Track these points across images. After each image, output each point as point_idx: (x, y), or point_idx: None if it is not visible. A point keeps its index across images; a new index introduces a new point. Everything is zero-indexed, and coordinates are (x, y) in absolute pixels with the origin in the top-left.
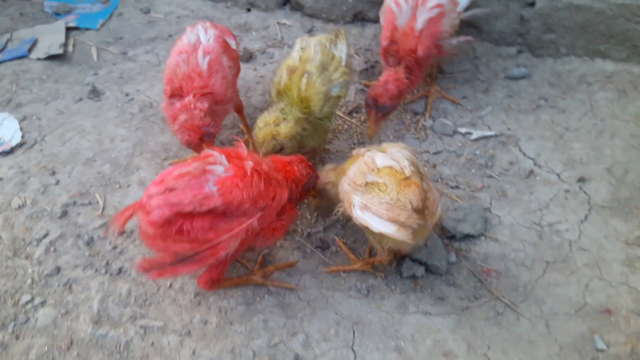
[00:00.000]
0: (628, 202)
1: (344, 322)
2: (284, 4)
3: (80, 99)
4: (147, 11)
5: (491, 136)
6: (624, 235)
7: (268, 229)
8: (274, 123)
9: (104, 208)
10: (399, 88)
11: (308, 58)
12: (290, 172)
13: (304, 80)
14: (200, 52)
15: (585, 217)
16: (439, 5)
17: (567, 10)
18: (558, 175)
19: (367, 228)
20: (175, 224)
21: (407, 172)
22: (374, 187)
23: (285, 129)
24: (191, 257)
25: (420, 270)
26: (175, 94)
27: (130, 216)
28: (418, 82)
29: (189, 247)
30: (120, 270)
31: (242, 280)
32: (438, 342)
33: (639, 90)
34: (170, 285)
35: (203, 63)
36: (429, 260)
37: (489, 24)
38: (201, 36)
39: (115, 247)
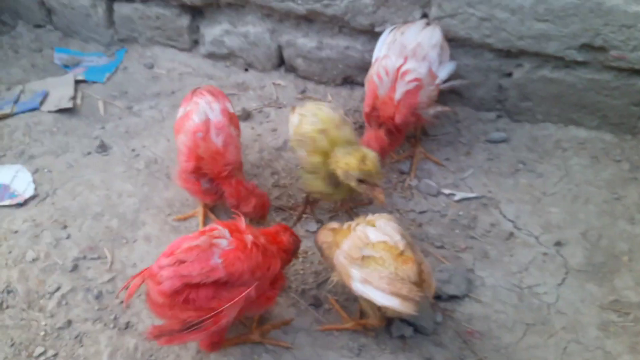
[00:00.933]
0: (602, 267)
1: None
2: (279, 65)
3: (89, 153)
4: (151, 67)
5: (473, 198)
6: (598, 299)
7: (262, 297)
8: (364, 153)
9: (112, 262)
10: (381, 146)
11: (328, 116)
12: (280, 242)
13: (347, 130)
14: (213, 131)
15: (563, 281)
16: (416, 80)
17: (542, 82)
18: (536, 238)
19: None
20: (183, 293)
21: (401, 246)
22: (371, 261)
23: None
24: (197, 324)
25: (409, 331)
26: (198, 170)
27: (140, 284)
28: (398, 143)
29: (195, 315)
30: (127, 324)
31: (241, 339)
32: None
33: (610, 157)
34: None
35: (218, 141)
36: (417, 320)
37: (470, 91)
38: (209, 114)
39: (122, 302)
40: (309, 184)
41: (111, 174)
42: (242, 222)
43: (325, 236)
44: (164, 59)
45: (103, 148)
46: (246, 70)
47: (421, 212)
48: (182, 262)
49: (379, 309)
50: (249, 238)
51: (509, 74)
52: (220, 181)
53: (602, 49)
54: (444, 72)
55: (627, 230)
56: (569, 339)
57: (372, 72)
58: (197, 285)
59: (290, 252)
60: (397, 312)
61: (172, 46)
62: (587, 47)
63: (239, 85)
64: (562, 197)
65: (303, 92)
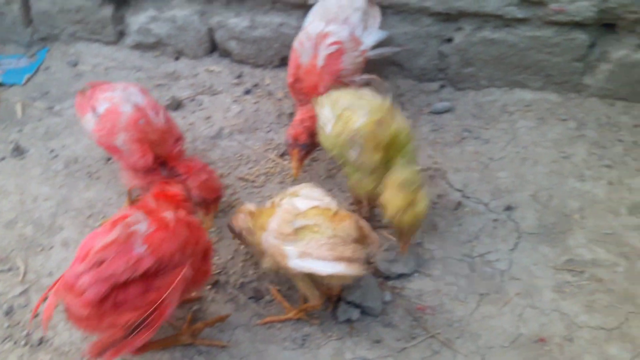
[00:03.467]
0: (554, 227)
1: None
2: (212, 51)
3: (3, 158)
4: (75, 64)
5: (419, 171)
6: (552, 261)
7: (199, 274)
8: (411, 204)
9: (25, 273)
10: (311, 126)
11: (376, 103)
12: (176, 198)
13: (400, 118)
14: (150, 113)
15: (515, 245)
16: (337, 43)
17: (483, 44)
18: (486, 205)
19: (301, 275)
20: (111, 297)
21: (334, 207)
22: (305, 231)
23: (424, 202)
24: (142, 324)
25: (355, 313)
26: (156, 159)
27: (57, 300)
28: None
29: (135, 316)
30: (41, 340)
31: (169, 341)
32: None
33: (556, 117)
34: None
35: (160, 120)
36: (364, 301)
37: (410, 61)
38: (134, 99)
39: (37, 316)
40: (365, 187)
41: (26, 177)
42: (149, 200)
43: (242, 221)
44: (89, 55)
45: (19, 151)
46: (177, 58)
47: None
48: (101, 262)
49: (318, 287)
50: (169, 215)
51: (449, 40)
52: (173, 161)
53: (541, 3)
54: (369, 38)
55: (577, 188)
56: (525, 304)
57: (295, 41)
58: (125, 284)
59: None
60: (342, 280)
61: (97, 40)
62: (526, 2)
63: (170, 75)
64: (509, 161)
65: (239, 76)
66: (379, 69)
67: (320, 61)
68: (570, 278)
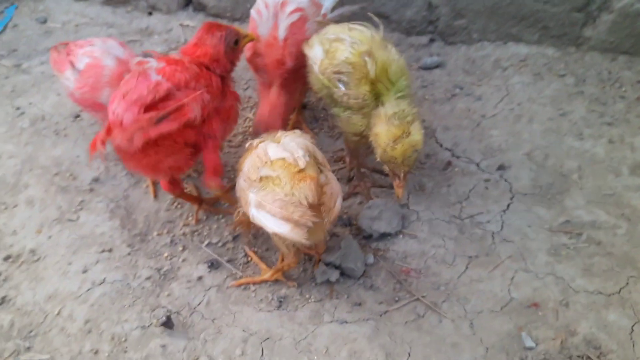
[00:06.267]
0: (550, 188)
1: (251, 339)
2: (187, 5)
3: None
4: (44, 21)
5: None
6: (547, 222)
7: (223, 112)
8: (405, 134)
9: None
10: (284, 114)
11: (366, 35)
12: (203, 54)
13: (393, 51)
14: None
15: (508, 207)
16: (298, 10)
17: None
18: (477, 164)
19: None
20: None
21: (302, 163)
22: (269, 182)
23: (419, 133)
24: (165, 116)
25: (334, 275)
26: None
27: (108, 137)
28: (298, 97)
29: (158, 112)
30: (3, 299)
31: (195, 200)
32: (354, 353)
33: (554, 73)
34: (59, 313)
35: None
36: (344, 262)
37: (398, 12)
38: (116, 52)
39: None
40: (355, 126)
41: None
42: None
43: None
44: (59, 12)
45: None
46: (150, 13)
47: None
48: (127, 93)
49: (294, 243)
50: (175, 55)
51: None
52: None
53: None
54: (329, 0)
55: (575, 147)
56: (517, 267)
57: (253, 8)
58: (153, 104)
59: (222, 54)
60: (286, 241)
61: None
62: None
63: (142, 30)
64: (503, 119)
65: None
66: (363, 22)
67: (282, 32)
68: (567, 241)
